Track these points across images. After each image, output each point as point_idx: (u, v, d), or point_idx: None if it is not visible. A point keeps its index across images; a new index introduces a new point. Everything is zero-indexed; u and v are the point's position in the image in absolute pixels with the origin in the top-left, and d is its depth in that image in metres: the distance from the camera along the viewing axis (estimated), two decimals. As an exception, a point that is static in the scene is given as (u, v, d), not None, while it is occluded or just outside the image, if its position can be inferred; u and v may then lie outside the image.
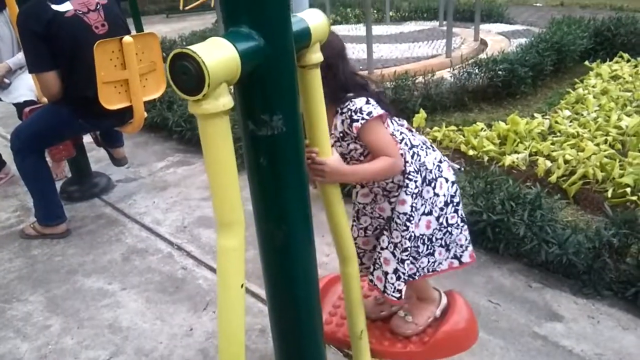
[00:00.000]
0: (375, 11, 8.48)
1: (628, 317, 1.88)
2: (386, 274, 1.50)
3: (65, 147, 2.91)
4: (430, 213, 1.49)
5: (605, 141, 3.00)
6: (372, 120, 1.38)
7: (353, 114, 1.38)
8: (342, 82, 1.39)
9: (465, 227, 1.57)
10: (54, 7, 2.37)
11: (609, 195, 2.51)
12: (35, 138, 2.59)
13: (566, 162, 2.79)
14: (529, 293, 2.04)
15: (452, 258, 1.58)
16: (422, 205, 1.48)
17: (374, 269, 1.54)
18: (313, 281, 1.16)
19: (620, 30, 5.04)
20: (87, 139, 3.25)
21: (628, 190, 2.48)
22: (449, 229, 1.53)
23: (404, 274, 1.49)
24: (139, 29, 5.08)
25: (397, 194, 1.48)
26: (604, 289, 1.97)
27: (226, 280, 0.88)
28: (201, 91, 0.75)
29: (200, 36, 7.67)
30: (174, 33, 7.87)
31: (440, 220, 1.51)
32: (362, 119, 1.37)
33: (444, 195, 1.50)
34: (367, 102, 1.39)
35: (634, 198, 2.43)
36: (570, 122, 3.41)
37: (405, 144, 1.48)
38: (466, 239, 1.57)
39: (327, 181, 1.25)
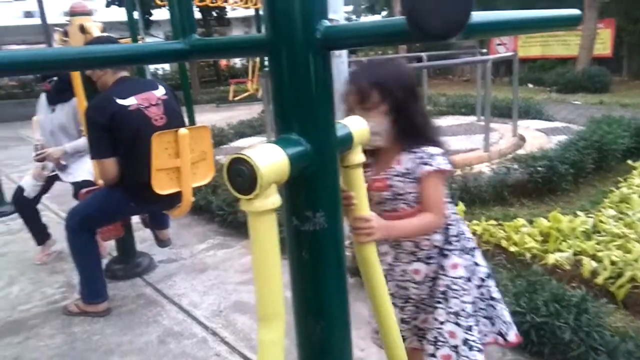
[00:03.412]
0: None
1: None
2: (456, 347, 1.41)
3: (115, 227, 3.07)
4: (469, 280, 1.47)
5: (654, 243, 2.90)
6: (441, 172, 1.39)
7: (427, 157, 1.39)
8: (412, 122, 1.40)
9: (505, 306, 1.52)
10: (119, 101, 2.62)
11: (661, 301, 2.38)
12: (89, 219, 2.75)
13: (613, 263, 2.70)
14: (578, 405, 1.90)
15: (496, 334, 1.50)
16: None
17: (438, 348, 1.43)
18: (348, 378, 1.15)
19: (662, 130, 5.02)
20: (135, 219, 3.41)
21: (681, 296, 2.36)
22: (492, 302, 1.48)
23: (474, 342, 1.41)
24: (191, 119, 5.45)
25: (432, 254, 1.46)
26: (661, 405, 1.83)
27: (266, 374, 0.90)
28: (253, 191, 0.82)
29: (247, 125, 8.12)
30: (222, 121, 8.36)
31: (482, 290, 1.48)
32: (434, 165, 1.38)
33: (485, 267, 1.49)
34: (442, 154, 1.41)
35: (689, 305, 2.31)
36: (616, 221, 3.33)
37: (451, 207, 1.49)
38: (509, 317, 1.50)
39: (375, 238, 1.19)
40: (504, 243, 3.14)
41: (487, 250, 3.12)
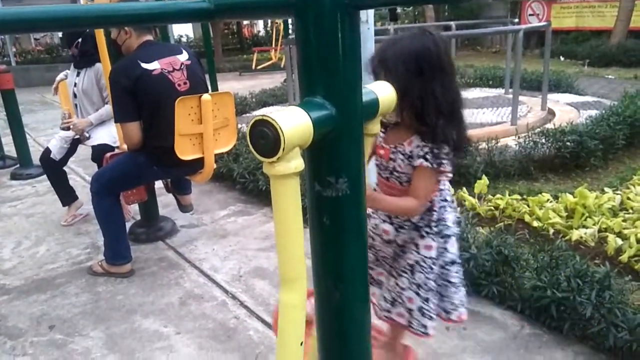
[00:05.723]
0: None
1: None
2: (410, 310, 1.58)
3: (138, 191, 3.11)
4: (436, 261, 1.60)
5: (684, 222, 2.82)
6: (435, 170, 1.45)
7: (430, 154, 1.43)
8: (414, 102, 1.40)
9: (463, 290, 1.64)
10: (143, 65, 2.62)
11: (688, 281, 2.33)
12: (113, 182, 2.79)
13: (638, 241, 2.64)
14: (596, 380, 1.89)
15: (441, 309, 1.64)
16: None
17: (394, 306, 1.62)
18: (365, 342, 1.16)
19: (698, 106, 4.80)
20: (158, 184, 3.45)
21: None
22: (447, 284, 1.61)
23: (428, 311, 1.57)
24: (214, 85, 5.44)
25: (404, 225, 1.58)
26: (682, 384, 1.80)
27: (285, 336, 0.90)
28: (276, 154, 0.81)
29: (269, 94, 8.07)
30: (245, 90, 8.32)
31: (442, 271, 1.60)
32: (432, 164, 1.43)
33: (452, 254, 1.60)
34: (445, 155, 1.44)
35: None
36: (644, 199, 3.24)
37: (441, 194, 1.57)
38: (460, 301, 1.63)
39: None
40: (527, 218, 3.09)
41: (509, 225, 3.08)
